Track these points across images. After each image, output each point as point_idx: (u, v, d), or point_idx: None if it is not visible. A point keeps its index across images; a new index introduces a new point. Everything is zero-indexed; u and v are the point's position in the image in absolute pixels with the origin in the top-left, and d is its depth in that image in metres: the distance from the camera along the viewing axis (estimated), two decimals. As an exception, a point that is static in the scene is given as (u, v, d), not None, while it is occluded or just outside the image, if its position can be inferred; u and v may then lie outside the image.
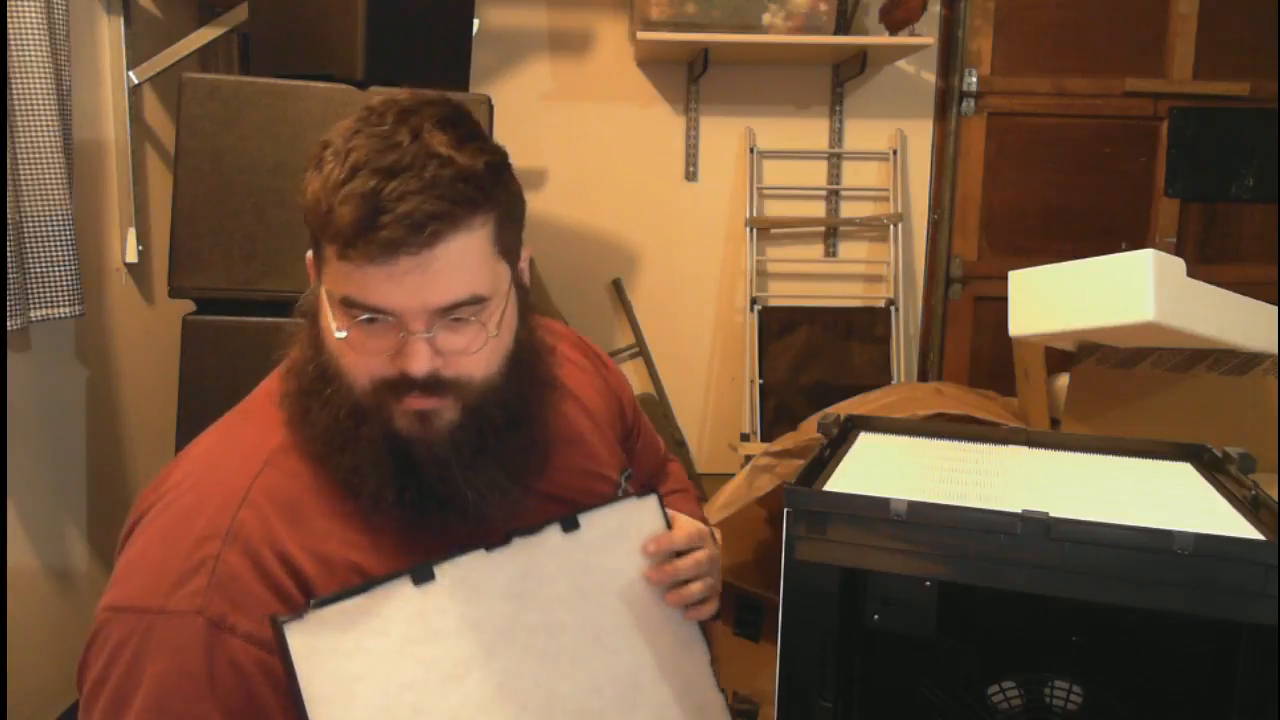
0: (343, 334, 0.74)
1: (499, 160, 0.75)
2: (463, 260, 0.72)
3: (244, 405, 0.86)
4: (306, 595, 0.73)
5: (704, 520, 1.04)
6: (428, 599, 0.72)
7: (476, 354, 0.75)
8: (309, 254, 0.78)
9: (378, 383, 0.74)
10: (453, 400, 0.76)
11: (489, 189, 0.73)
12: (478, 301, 0.74)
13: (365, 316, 0.72)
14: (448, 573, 0.74)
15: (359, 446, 0.76)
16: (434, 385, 0.74)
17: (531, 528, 0.80)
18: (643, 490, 0.87)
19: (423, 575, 0.73)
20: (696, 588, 0.89)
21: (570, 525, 0.81)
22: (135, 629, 0.71)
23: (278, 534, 0.74)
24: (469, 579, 0.75)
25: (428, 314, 0.72)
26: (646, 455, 1.12)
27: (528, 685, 0.75)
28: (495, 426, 0.78)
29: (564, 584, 0.79)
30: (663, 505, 0.87)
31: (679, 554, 0.89)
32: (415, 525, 0.77)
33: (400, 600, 0.71)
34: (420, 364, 0.73)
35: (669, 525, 0.89)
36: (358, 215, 0.68)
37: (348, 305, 0.73)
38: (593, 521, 0.82)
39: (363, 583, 0.71)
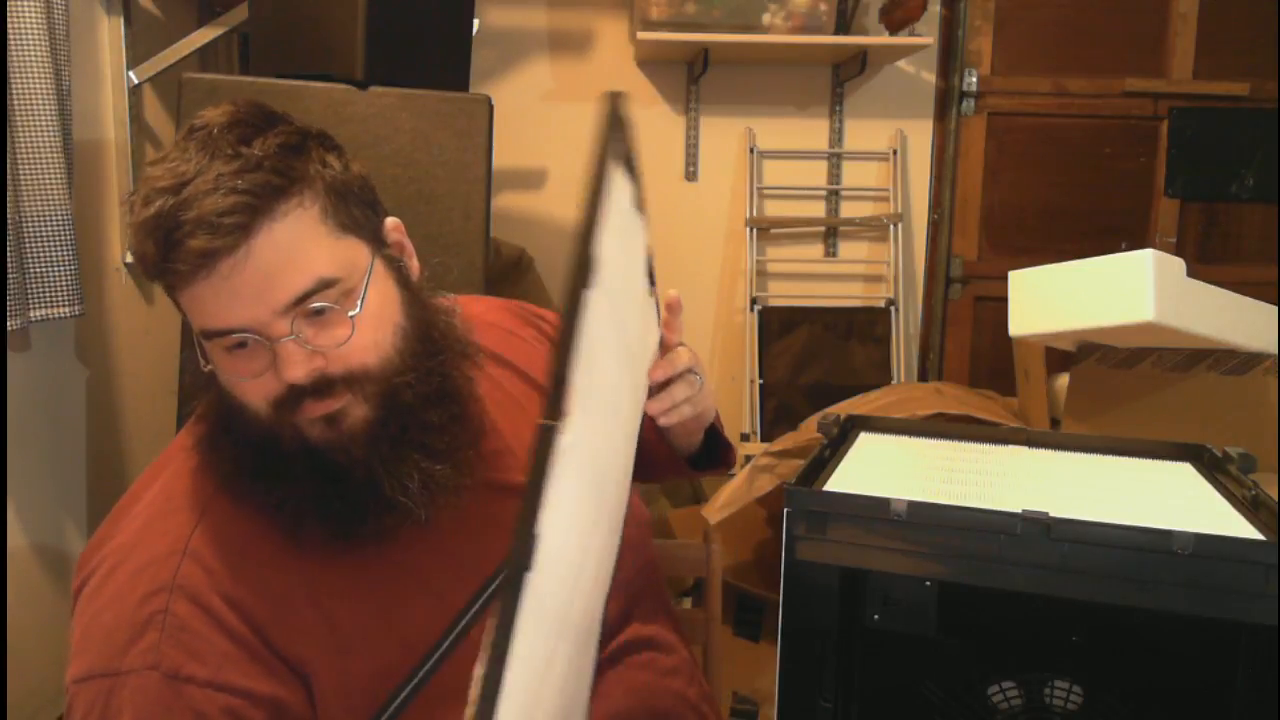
0: (209, 367, 0.71)
1: (297, 140, 0.71)
2: (290, 247, 0.68)
3: (170, 453, 0.82)
4: (261, 639, 0.71)
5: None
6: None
7: (357, 342, 0.71)
8: None
9: (273, 402, 0.71)
10: (355, 396, 0.72)
11: (290, 169, 0.69)
12: (329, 285, 0.70)
13: (230, 343, 0.69)
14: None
15: (274, 470, 0.72)
16: (325, 387, 0.70)
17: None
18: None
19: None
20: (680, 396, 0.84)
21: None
22: (97, 697, 0.69)
23: (223, 581, 0.72)
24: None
25: (281, 315, 0.68)
26: None
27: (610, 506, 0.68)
28: (413, 412, 0.74)
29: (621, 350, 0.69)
30: (659, 309, 0.83)
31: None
32: (351, 539, 0.74)
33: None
34: (296, 369, 0.68)
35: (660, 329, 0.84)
36: (158, 239, 0.66)
37: (207, 337, 0.70)
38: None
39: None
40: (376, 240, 0.76)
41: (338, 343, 0.70)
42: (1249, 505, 0.87)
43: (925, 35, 2.45)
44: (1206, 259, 2.71)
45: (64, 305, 1.65)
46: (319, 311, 0.70)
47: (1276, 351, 1.52)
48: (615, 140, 0.62)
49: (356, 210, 0.74)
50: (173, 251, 0.65)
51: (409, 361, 0.75)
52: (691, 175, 2.69)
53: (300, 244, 0.69)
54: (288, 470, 0.72)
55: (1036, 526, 0.78)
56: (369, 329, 0.72)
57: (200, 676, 0.69)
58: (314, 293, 0.69)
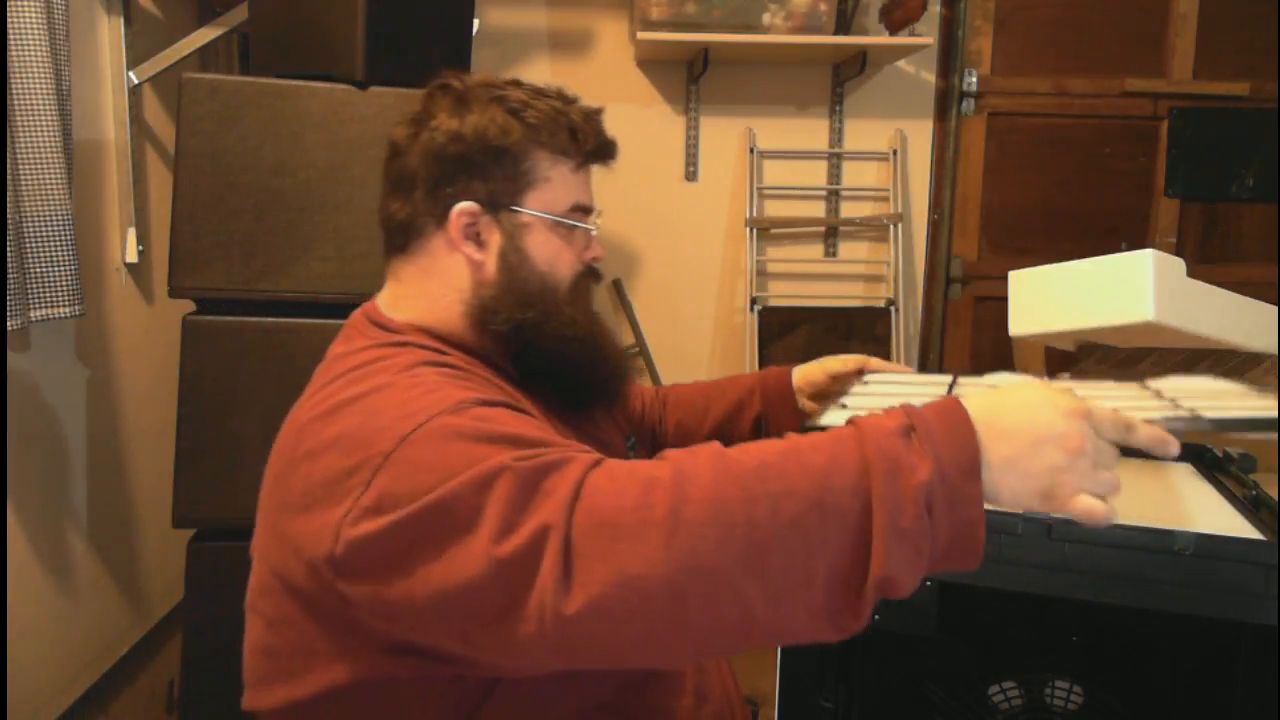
0: (593, 228, 0.93)
1: None
2: None
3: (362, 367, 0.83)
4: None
5: None
6: None
7: None
8: (462, 207, 0.87)
9: (573, 279, 0.91)
10: None
11: None
12: None
13: (591, 220, 0.92)
14: None
15: (580, 342, 0.89)
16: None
17: None
18: None
19: None
20: None
21: None
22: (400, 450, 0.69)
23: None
24: None
25: None
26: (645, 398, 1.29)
27: None
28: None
29: None
30: None
31: None
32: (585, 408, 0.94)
33: None
34: (601, 250, 0.94)
35: None
36: (597, 129, 0.91)
37: (573, 211, 0.90)
38: None
39: None
40: None
41: None
42: (1249, 505, 0.87)
43: (925, 35, 2.45)
44: (1206, 259, 2.71)
45: (64, 305, 1.65)
46: None
47: (1276, 351, 1.52)
48: None
49: None
50: (603, 142, 0.92)
51: None
52: (691, 175, 2.69)
53: None
54: (575, 333, 0.89)
55: (1037, 526, 0.78)
56: None
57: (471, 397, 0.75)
58: None
